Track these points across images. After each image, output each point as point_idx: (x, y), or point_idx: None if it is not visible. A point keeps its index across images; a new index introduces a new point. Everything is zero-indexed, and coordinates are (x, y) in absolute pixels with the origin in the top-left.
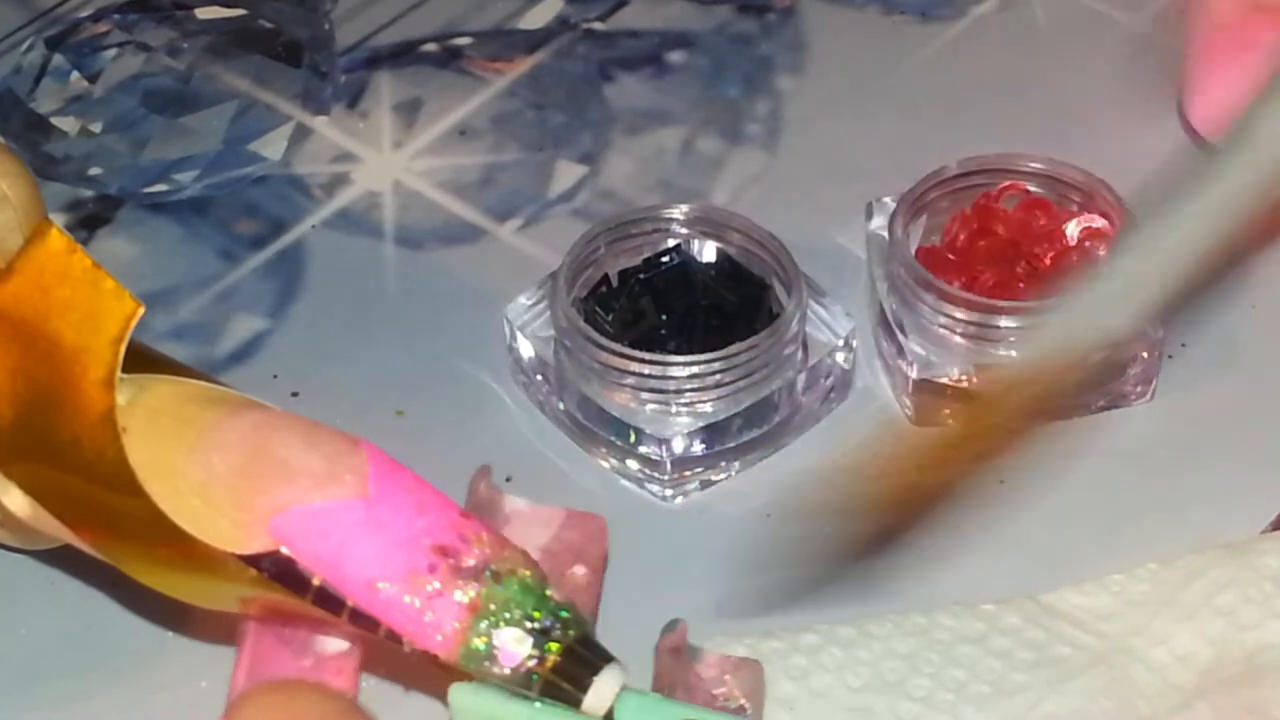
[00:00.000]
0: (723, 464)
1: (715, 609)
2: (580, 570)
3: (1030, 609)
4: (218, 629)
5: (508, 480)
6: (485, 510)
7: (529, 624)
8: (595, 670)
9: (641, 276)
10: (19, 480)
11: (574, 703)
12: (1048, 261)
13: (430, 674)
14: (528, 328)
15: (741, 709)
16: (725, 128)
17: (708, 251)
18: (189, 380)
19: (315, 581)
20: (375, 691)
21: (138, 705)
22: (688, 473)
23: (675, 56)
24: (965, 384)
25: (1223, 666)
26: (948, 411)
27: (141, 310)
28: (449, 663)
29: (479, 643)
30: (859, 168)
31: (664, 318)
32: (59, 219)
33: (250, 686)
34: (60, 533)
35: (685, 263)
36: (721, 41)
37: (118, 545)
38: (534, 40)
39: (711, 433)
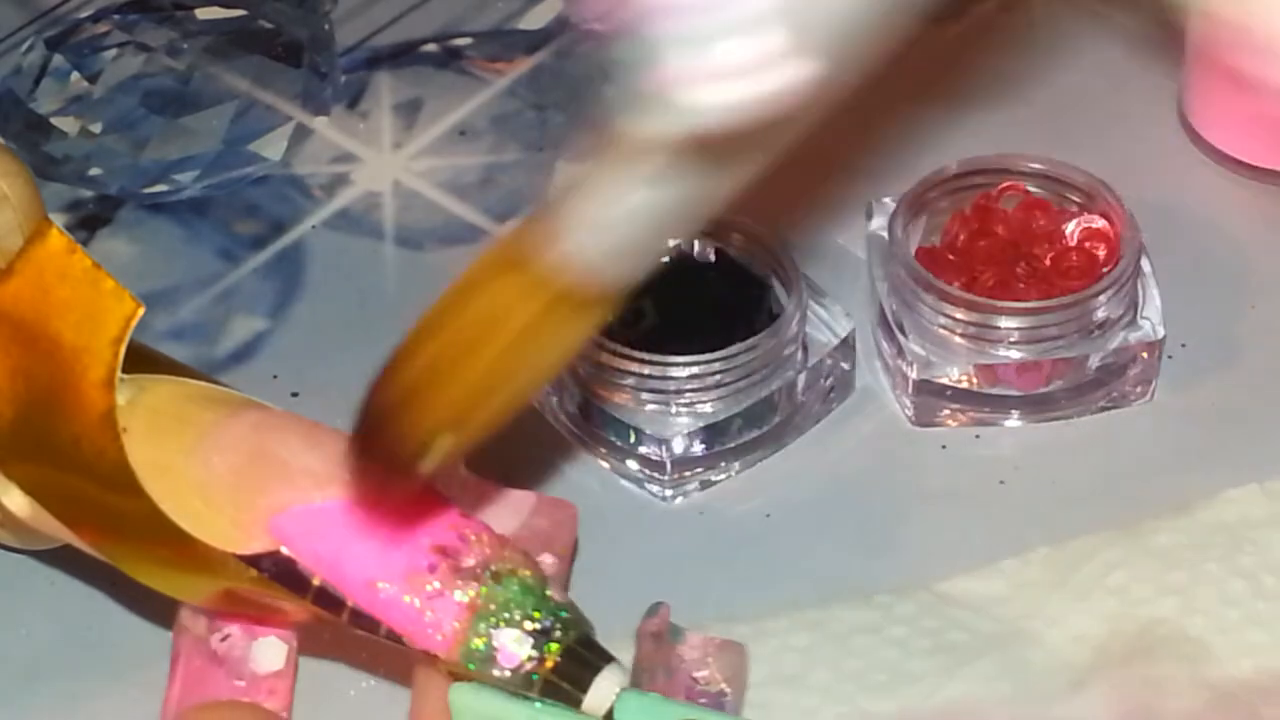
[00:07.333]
0: (723, 464)
1: None
2: (548, 559)
3: (925, 598)
4: None
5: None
6: (455, 495)
7: (529, 625)
8: (595, 671)
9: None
10: (19, 480)
11: (574, 703)
12: (1048, 261)
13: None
14: None
15: (722, 692)
16: None
17: (708, 251)
18: (189, 380)
19: (315, 581)
20: (376, 691)
21: (138, 705)
22: (688, 473)
23: None
24: (965, 384)
25: (1117, 643)
26: (947, 412)
27: (141, 310)
28: (449, 662)
29: (479, 643)
30: (859, 168)
31: (664, 318)
32: (59, 219)
33: (184, 708)
34: (60, 533)
35: (685, 263)
36: None
37: (118, 545)
38: (534, 40)
39: (711, 433)
